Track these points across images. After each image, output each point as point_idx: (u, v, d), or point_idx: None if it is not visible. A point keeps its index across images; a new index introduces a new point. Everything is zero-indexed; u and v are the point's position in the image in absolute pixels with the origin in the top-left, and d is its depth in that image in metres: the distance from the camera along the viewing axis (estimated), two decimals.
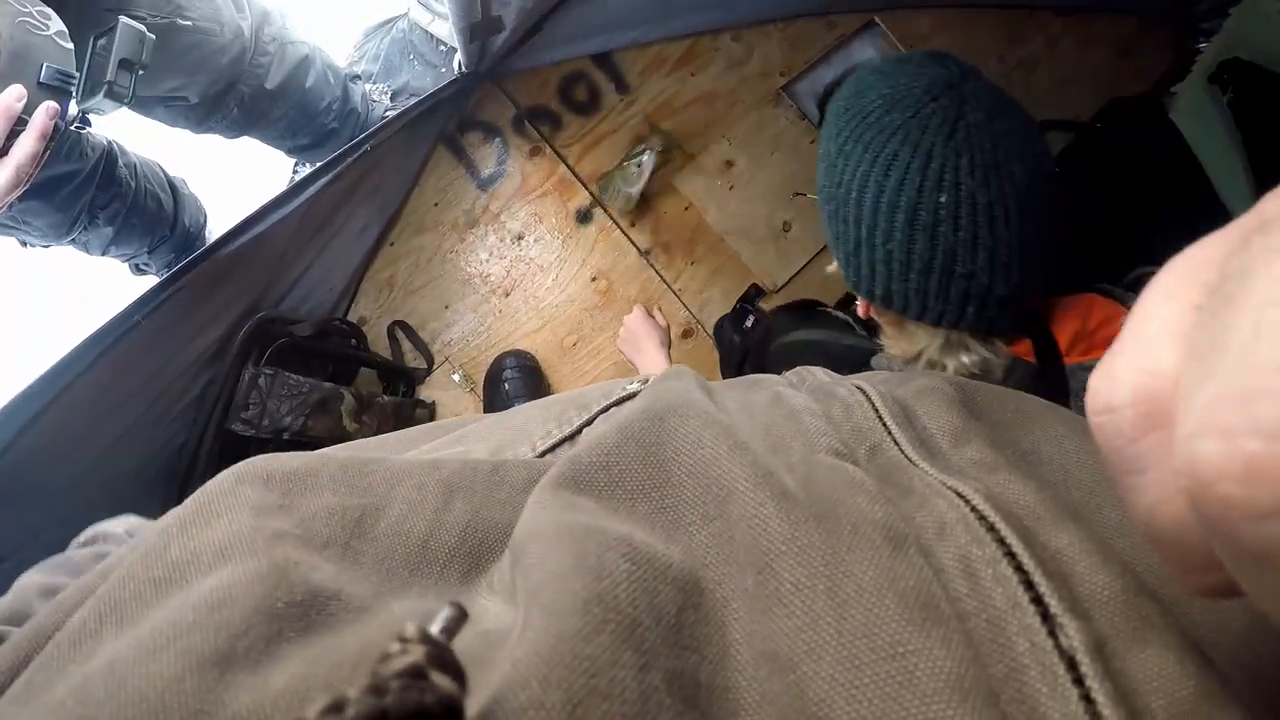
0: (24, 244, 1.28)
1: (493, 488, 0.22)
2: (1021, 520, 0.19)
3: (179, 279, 1.05)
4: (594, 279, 1.23)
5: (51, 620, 0.18)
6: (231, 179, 1.46)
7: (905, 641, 0.15)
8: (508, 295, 1.23)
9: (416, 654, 0.12)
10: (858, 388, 0.26)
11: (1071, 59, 1.46)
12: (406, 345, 1.26)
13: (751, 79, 1.25)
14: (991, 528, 0.18)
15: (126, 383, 1.07)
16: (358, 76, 1.34)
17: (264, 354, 1.20)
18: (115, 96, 0.78)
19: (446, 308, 1.25)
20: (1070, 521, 0.19)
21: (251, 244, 1.17)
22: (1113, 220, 1.38)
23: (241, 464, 0.21)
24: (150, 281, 1.03)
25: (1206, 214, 1.36)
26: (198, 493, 0.20)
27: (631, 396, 0.26)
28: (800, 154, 1.26)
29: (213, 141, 1.33)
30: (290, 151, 1.36)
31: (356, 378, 1.28)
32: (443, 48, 1.29)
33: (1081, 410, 0.43)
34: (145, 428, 1.14)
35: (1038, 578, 0.17)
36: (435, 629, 0.13)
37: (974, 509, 0.19)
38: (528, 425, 0.27)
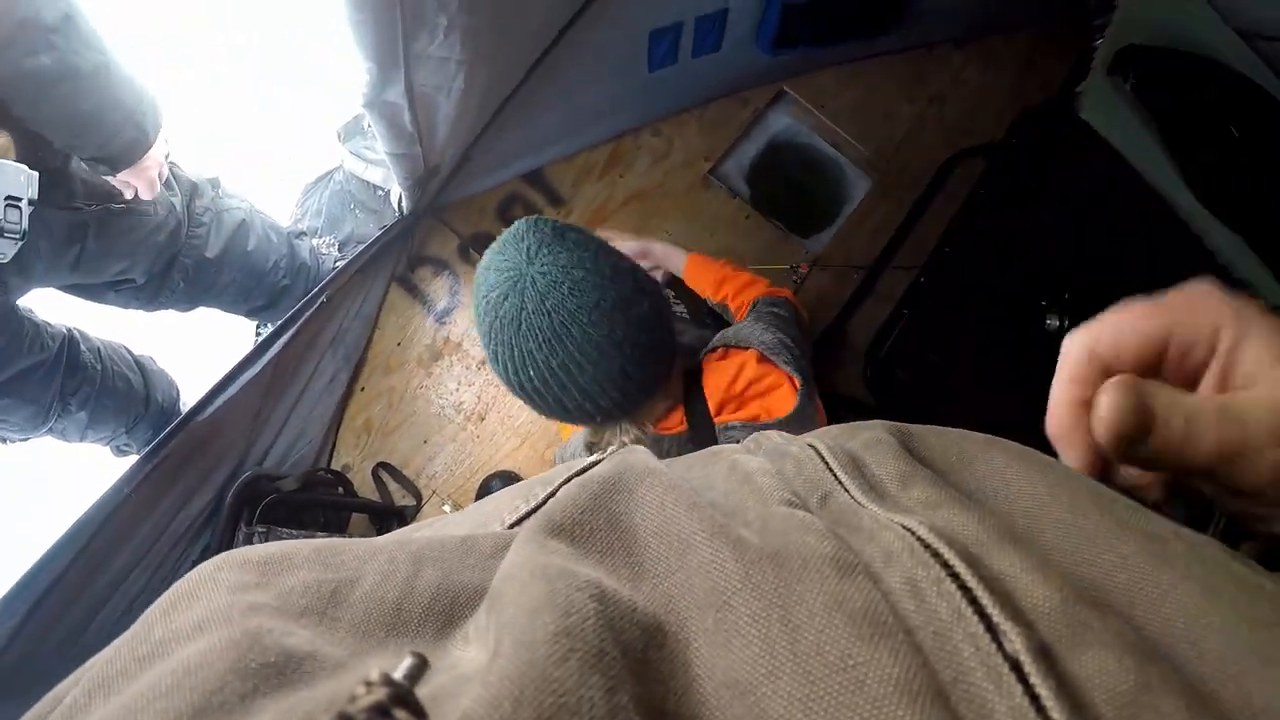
0: (3, 440, 1.30)
1: (462, 556, 0.23)
2: (966, 546, 0.20)
3: (160, 450, 1.07)
4: None
5: (46, 708, 0.19)
6: (198, 349, 1.49)
7: (854, 655, 0.17)
8: (483, 420, 1.26)
9: (380, 694, 0.13)
10: (809, 445, 0.28)
11: (978, 84, 1.52)
12: (393, 485, 1.27)
13: (677, 169, 1.30)
14: (936, 553, 0.20)
15: (123, 558, 1.08)
16: (304, 233, 1.37)
17: (255, 513, 1.21)
18: (8, 234, 0.80)
19: (425, 442, 1.26)
20: (1011, 546, 0.20)
21: (225, 408, 1.19)
22: (1042, 231, 1.42)
23: (219, 555, 0.23)
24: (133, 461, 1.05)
25: (1137, 202, 1.40)
26: (179, 581, 0.22)
27: (595, 464, 0.28)
28: (738, 230, 1.30)
29: (174, 315, 1.36)
30: (249, 314, 1.39)
31: (349, 524, 1.29)
32: (380, 192, 1.33)
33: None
34: (147, 602, 1.14)
35: (980, 593, 0.18)
36: (399, 674, 0.14)
37: (919, 538, 0.21)
38: (498, 507, 0.28)
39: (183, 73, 1.59)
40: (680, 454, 0.47)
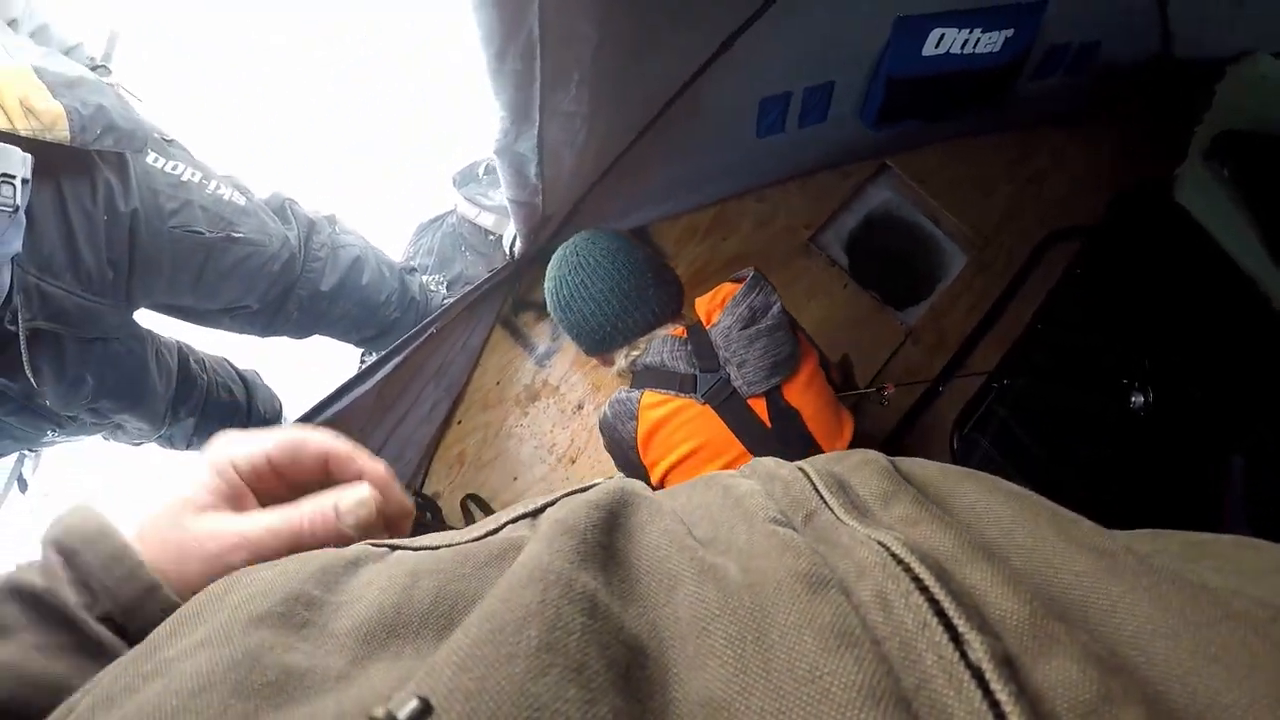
0: (107, 439, 1.40)
1: (456, 566, 0.25)
2: (939, 562, 0.22)
3: None
4: None
5: (59, 715, 0.20)
6: (302, 370, 1.57)
7: (821, 666, 0.18)
8: (574, 463, 1.30)
9: None
10: (799, 468, 0.30)
11: (1078, 166, 1.52)
12: (479, 515, 1.32)
13: (779, 235, 1.34)
14: (907, 567, 0.21)
15: None
16: (414, 269, 1.45)
17: None
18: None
19: (515, 479, 1.31)
20: (984, 561, 0.22)
21: (329, 422, 1.25)
22: (1133, 310, 1.40)
23: (227, 576, 0.24)
24: None
25: (1226, 286, 1.38)
26: (186, 603, 0.23)
27: (596, 485, 0.30)
28: (834, 298, 1.32)
29: (283, 340, 1.44)
30: (359, 343, 1.46)
31: None
32: (491, 237, 1.40)
33: (737, 320, 0.79)
34: None
35: (948, 604, 0.19)
36: (403, 716, 0.15)
37: (892, 554, 0.22)
38: (499, 515, 0.30)
39: (307, 116, 1.70)
40: (678, 352, 0.88)
